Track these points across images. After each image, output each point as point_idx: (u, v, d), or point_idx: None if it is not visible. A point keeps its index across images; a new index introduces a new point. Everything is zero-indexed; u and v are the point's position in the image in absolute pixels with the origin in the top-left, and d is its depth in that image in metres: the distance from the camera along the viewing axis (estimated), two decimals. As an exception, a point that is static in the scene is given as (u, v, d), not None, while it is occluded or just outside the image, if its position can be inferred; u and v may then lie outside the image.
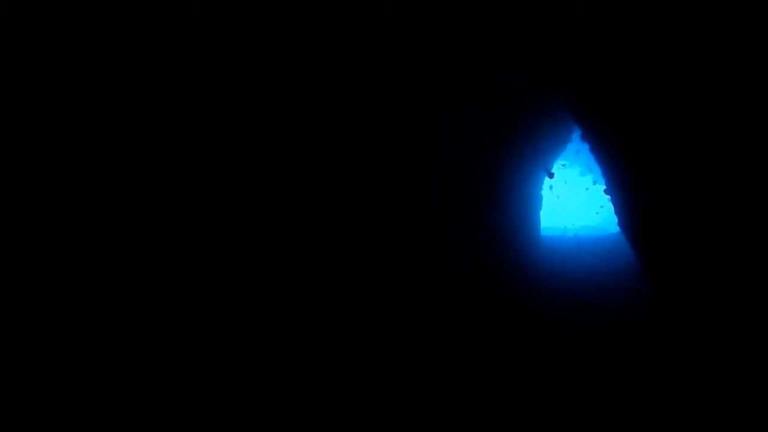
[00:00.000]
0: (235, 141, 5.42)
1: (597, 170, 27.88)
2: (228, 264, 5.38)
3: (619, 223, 7.79)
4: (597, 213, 26.98)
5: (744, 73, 3.84)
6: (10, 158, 4.22)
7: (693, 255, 5.18)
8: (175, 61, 4.92)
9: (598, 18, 4.88)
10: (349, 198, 6.45)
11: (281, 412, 4.85)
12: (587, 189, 18.48)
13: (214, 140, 5.28)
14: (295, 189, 5.87)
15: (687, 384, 5.10)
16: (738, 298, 4.46)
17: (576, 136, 21.90)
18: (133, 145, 4.79)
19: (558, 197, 23.30)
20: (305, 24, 5.41)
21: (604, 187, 27.87)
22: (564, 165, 17.33)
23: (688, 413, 4.53)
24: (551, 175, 11.49)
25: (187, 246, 5.11)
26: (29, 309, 4.24)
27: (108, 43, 4.57)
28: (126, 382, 4.59)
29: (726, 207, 4.41)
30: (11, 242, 4.20)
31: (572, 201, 49.19)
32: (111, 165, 4.69)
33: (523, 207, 12.60)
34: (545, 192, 51.05)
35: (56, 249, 4.41)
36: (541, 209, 14.77)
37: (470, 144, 8.57)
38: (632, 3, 4.38)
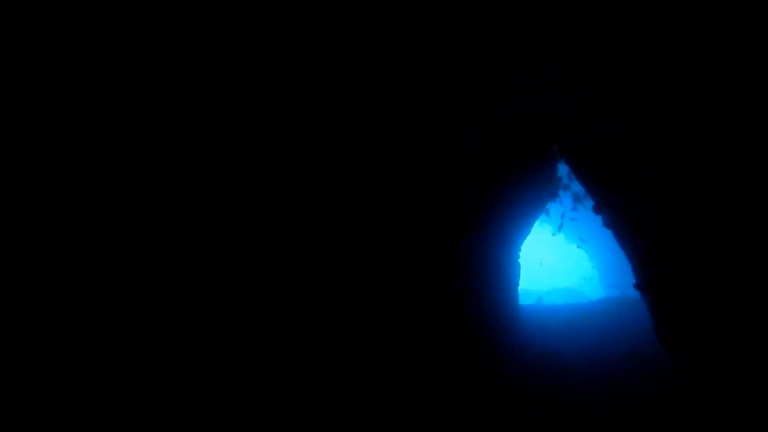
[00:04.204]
0: (233, 141, 5.38)
1: (569, 231, 27.14)
2: (227, 265, 5.36)
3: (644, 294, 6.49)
4: (588, 280, 25.86)
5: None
6: (10, 158, 4.28)
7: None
8: (175, 62, 4.93)
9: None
10: (346, 199, 6.30)
11: (281, 412, 5.08)
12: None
13: (214, 141, 5.26)
14: (292, 190, 5.82)
15: None
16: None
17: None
18: (133, 146, 4.82)
19: (541, 264, 22.38)
20: (303, 23, 5.37)
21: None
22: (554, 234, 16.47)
23: None
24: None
25: (187, 246, 5.12)
26: (29, 309, 4.30)
27: (108, 43, 4.60)
28: (126, 382, 4.62)
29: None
30: (11, 242, 4.26)
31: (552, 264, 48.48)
32: (111, 165, 4.71)
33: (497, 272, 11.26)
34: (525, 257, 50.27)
35: (56, 249, 4.45)
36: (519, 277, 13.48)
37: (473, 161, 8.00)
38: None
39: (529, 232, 13.25)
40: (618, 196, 6.11)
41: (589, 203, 20.75)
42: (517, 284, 13.22)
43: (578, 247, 24.14)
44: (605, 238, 23.66)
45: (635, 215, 5.82)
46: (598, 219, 22.88)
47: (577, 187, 14.51)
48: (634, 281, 21.41)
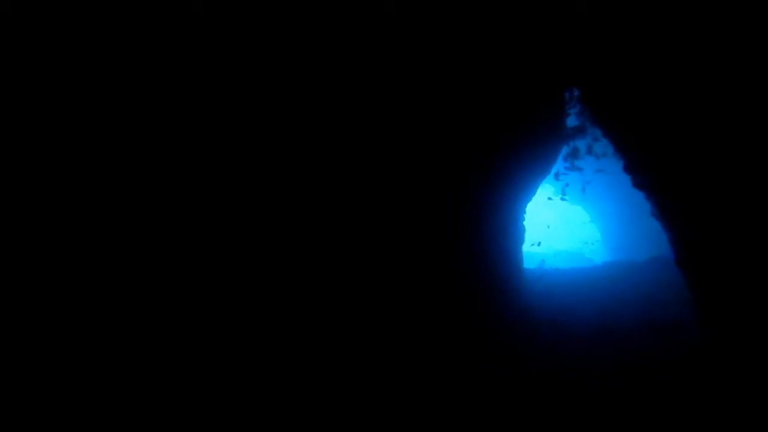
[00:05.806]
0: (239, 146, 5.32)
1: (571, 193, 26.18)
2: (228, 265, 5.28)
3: (676, 257, 5.70)
4: (588, 244, 25.12)
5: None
6: (10, 158, 4.25)
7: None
8: (175, 62, 4.86)
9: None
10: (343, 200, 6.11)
11: (280, 413, 4.91)
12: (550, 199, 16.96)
13: (224, 142, 5.19)
14: (290, 193, 5.75)
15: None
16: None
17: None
18: (133, 146, 4.77)
19: (548, 227, 21.65)
20: (300, 26, 5.30)
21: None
22: (550, 198, 15.74)
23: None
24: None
25: (187, 246, 5.04)
26: (29, 309, 4.26)
27: (108, 43, 4.54)
28: (126, 383, 4.58)
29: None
30: (11, 242, 4.23)
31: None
32: (111, 165, 4.66)
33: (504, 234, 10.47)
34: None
35: (56, 249, 4.41)
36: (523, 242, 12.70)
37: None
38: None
39: (535, 193, 12.38)
40: (654, 155, 5.18)
41: (591, 161, 19.74)
42: (521, 247, 12.46)
43: (583, 208, 23.36)
44: (609, 200, 22.81)
45: (674, 179, 4.92)
46: (601, 179, 21.90)
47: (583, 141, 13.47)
48: (639, 246, 20.62)
